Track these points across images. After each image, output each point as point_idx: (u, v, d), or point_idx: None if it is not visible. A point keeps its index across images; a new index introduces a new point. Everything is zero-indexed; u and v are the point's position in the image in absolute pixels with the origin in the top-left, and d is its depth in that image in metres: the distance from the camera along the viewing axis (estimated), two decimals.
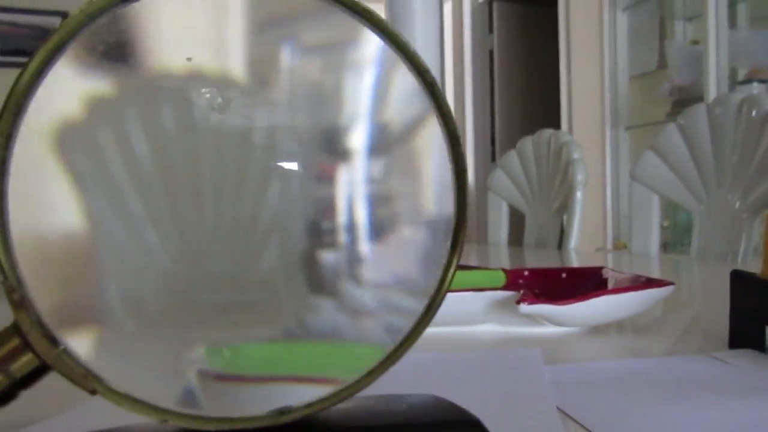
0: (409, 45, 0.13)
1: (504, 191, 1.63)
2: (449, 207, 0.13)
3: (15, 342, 0.11)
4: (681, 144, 1.17)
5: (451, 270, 0.13)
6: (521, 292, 0.46)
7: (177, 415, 0.11)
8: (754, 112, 1.04)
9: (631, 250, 1.25)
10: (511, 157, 1.63)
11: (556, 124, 2.68)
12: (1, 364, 0.11)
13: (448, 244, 0.13)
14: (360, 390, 0.13)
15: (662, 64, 2.33)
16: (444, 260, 0.13)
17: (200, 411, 0.11)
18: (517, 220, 1.63)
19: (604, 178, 2.42)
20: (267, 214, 0.13)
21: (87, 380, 0.11)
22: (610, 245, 2.36)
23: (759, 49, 1.97)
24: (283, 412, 0.13)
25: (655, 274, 0.90)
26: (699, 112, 1.15)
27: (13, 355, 0.11)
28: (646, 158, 1.22)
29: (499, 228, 1.61)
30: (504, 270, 0.60)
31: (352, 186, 0.13)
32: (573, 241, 1.37)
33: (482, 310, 0.49)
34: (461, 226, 0.13)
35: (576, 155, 1.41)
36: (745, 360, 0.38)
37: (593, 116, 2.50)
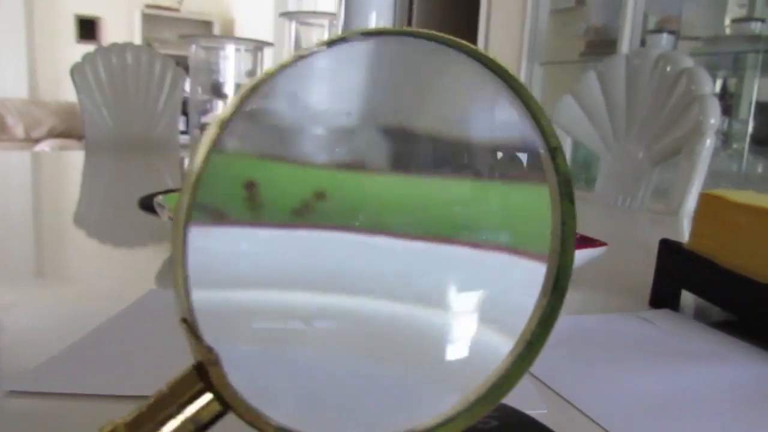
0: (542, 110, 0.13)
1: None
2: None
3: (203, 393, 0.11)
4: (598, 91, 1.22)
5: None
6: None
7: None
8: (668, 68, 1.10)
9: None
10: None
11: None
12: (194, 418, 0.11)
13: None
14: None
15: (581, 1, 2.38)
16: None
17: None
18: None
19: None
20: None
21: (265, 424, 0.12)
22: None
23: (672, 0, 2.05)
24: None
25: None
26: (618, 61, 1.20)
27: (203, 407, 0.12)
28: (565, 102, 1.26)
29: None
30: None
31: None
32: None
33: None
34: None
35: None
36: (665, 320, 0.43)
37: (511, 48, 2.53)
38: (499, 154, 0.14)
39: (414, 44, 0.13)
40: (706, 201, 0.44)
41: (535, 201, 0.14)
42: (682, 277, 0.45)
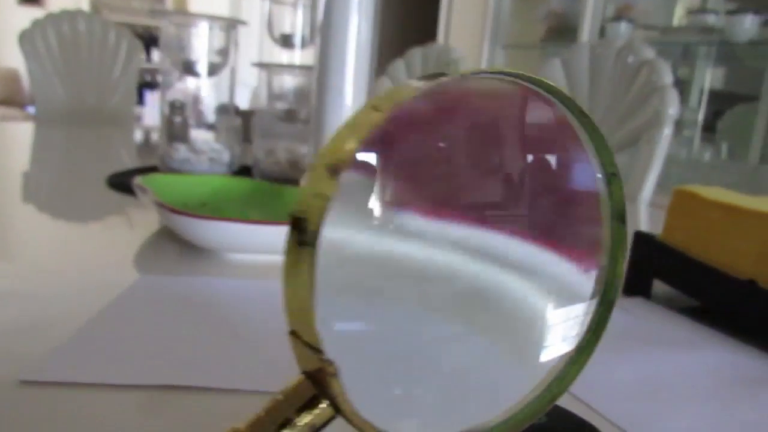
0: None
1: None
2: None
3: (317, 399, 0.12)
4: (562, 78, 1.25)
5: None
6: None
7: None
8: (630, 59, 1.13)
9: None
10: (398, 66, 1.64)
11: (431, 35, 2.70)
12: (310, 423, 0.12)
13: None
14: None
15: None
16: None
17: None
18: None
19: None
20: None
21: (371, 429, 0.13)
22: None
23: None
24: None
25: None
26: (582, 50, 1.23)
27: (318, 413, 0.12)
28: None
29: None
30: None
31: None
32: None
33: None
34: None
35: None
36: (640, 309, 0.45)
37: (473, 29, 2.54)
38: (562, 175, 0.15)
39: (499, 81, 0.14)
40: (679, 196, 0.47)
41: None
42: (655, 267, 0.48)
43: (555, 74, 1.25)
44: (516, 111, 0.15)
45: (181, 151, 0.86)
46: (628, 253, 0.16)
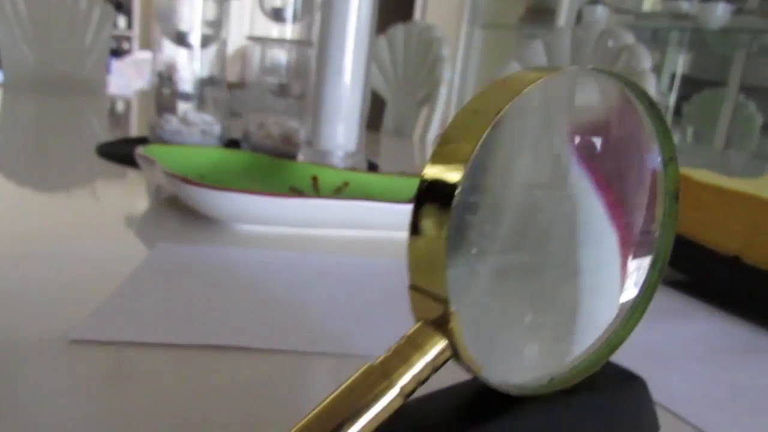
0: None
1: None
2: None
3: (438, 342, 0.14)
4: (543, 60, 1.27)
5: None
6: None
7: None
8: (611, 44, 1.16)
9: None
10: (380, 42, 1.64)
11: (408, 13, 2.69)
12: (432, 362, 0.14)
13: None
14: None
15: None
16: None
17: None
18: (376, 105, 1.67)
19: (452, 72, 2.52)
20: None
21: (479, 368, 0.15)
22: None
23: None
24: (552, 380, 0.17)
25: None
26: (564, 34, 1.25)
27: (439, 354, 0.14)
28: (511, 68, 1.31)
29: None
30: None
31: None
32: (432, 133, 1.46)
33: None
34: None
35: (445, 52, 1.46)
36: None
37: (450, 8, 2.55)
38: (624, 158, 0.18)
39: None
40: None
41: None
42: None
43: (537, 56, 1.27)
44: (612, 102, 0.17)
45: (172, 122, 0.86)
46: (676, 228, 0.18)
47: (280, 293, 0.38)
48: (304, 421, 0.14)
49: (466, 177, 0.13)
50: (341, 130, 0.72)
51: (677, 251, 0.50)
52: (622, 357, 0.21)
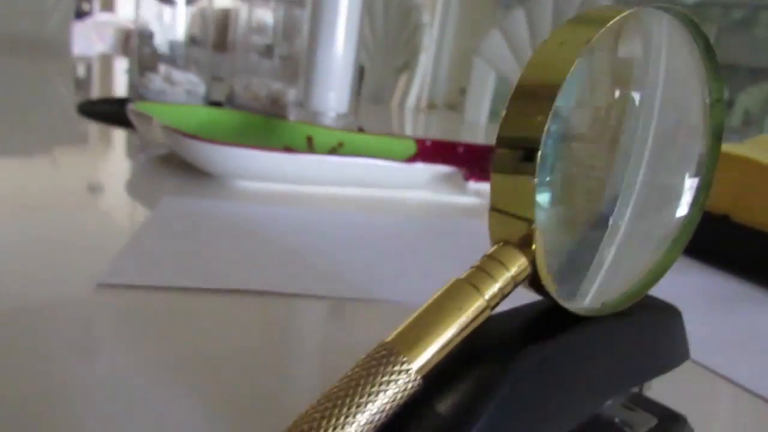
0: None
1: None
2: None
3: (519, 260, 0.15)
4: (525, 29, 1.28)
5: None
6: (464, 168, 0.52)
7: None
8: None
9: (463, 120, 1.38)
10: None
11: None
12: (514, 277, 0.15)
13: None
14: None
15: None
16: None
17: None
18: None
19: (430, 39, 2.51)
20: None
21: (551, 286, 0.16)
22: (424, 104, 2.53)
23: None
24: (603, 304, 0.18)
25: (491, 140, 1.03)
26: (546, 2, 1.26)
27: (521, 270, 0.15)
28: (492, 37, 1.31)
29: None
30: (414, 139, 0.65)
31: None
32: (411, 100, 1.46)
33: (415, 177, 0.55)
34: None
35: (425, 19, 1.46)
36: None
37: None
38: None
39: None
40: None
41: None
42: None
43: (518, 25, 1.28)
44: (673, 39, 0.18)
45: (156, 81, 0.84)
46: (714, 173, 0.20)
47: (291, 244, 0.39)
48: (400, 329, 0.14)
49: (556, 100, 0.14)
50: (334, 92, 0.71)
51: None
52: None
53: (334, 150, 0.64)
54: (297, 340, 0.29)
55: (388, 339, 0.14)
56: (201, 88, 0.86)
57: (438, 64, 2.51)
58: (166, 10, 0.86)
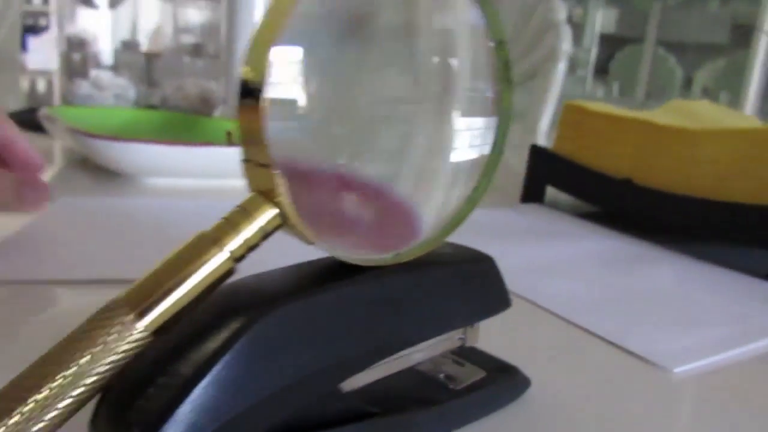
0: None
1: None
2: None
3: (267, 210, 0.15)
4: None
5: None
6: None
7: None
8: None
9: None
10: None
11: None
12: (263, 228, 0.15)
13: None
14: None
15: None
16: None
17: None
18: None
19: None
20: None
21: (309, 234, 0.15)
22: None
23: None
24: (397, 254, 0.18)
25: None
26: None
27: (270, 221, 0.15)
28: None
29: None
30: None
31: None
32: None
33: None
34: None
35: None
36: (534, 212, 0.51)
37: None
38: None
39: None
40: (569, 110, 0.52)
41: None
42: (547, 175, 0.53)
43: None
44: None
45: (83, 86, 0.83)
46: (512, 114, 0.20)
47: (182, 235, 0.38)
48: (135, 284, 0.14)
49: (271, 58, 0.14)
50: None
51: (574, 180, 0.52)
52: (513, 271, 0.23)
53: None
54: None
55: (120, 296, 0.14)
56: (131, 92, 0.85)
57: None
58: (95, 14, 0.85)
